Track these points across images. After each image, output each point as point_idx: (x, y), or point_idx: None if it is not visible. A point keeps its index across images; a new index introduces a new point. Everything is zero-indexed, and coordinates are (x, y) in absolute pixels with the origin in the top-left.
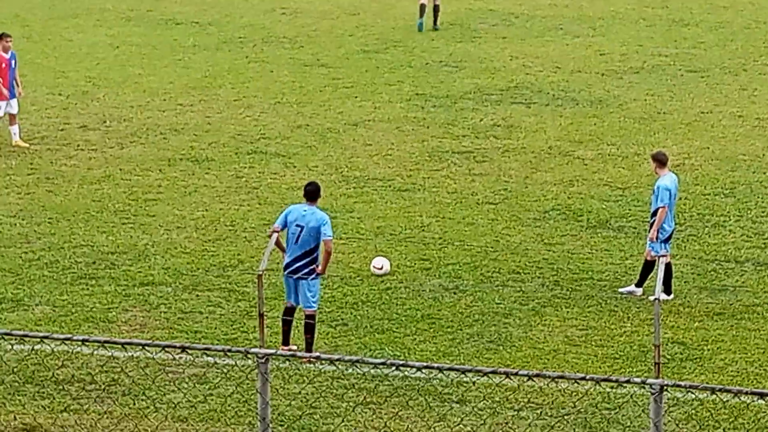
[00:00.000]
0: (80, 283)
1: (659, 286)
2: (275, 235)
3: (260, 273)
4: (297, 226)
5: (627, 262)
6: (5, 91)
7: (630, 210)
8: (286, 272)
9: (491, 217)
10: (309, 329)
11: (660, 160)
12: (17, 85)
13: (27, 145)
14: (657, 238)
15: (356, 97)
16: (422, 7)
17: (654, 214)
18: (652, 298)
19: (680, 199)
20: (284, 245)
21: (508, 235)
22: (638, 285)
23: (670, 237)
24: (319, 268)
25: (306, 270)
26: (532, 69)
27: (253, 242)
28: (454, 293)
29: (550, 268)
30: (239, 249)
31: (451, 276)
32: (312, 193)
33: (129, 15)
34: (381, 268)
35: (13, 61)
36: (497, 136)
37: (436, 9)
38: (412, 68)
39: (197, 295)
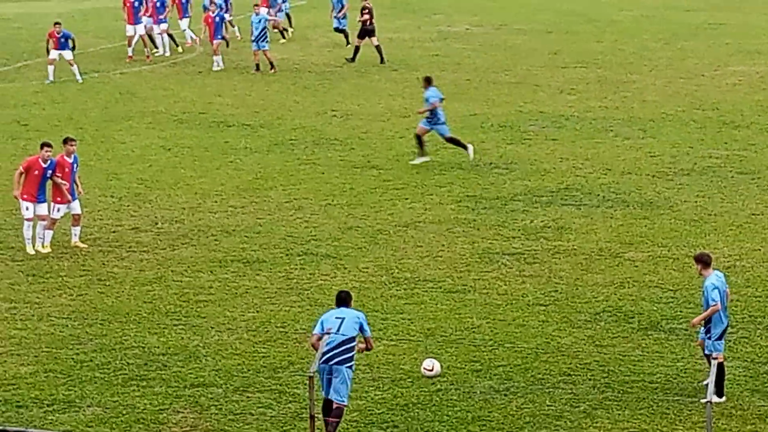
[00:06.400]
0: (131, 384)
1: (711, 388)
2: (326, 336)
3: (311, 374)
4: (337, 318)
5: (678, 364)
6: (68, 195)
7: (681, 312)
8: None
9: (542, 319)
10: (334, 427)
11: (704, 261)
12: (77, 186)
13: (85, 246)
14: (710, 334)
15: (407, 198)
16: (357, 49)
17: None
18: (704, 400)
19: (732, 301)
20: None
21: (558, 337)
22: (719, 395)
23: (723, 333)
24: (361, 346)
25: (342, 357)
26: (582, 171)
27: (303, 343)
28: (505, 395)
29: (601, 370)
30: (290, 350)
31: (502, 378)
32: (344, 300)
33: (181, 117)
34: (431, 370)
35: (75, 165)
36: (548, 237)
37: (378, 48)
38: (463, 170)
39: (248, 397)
